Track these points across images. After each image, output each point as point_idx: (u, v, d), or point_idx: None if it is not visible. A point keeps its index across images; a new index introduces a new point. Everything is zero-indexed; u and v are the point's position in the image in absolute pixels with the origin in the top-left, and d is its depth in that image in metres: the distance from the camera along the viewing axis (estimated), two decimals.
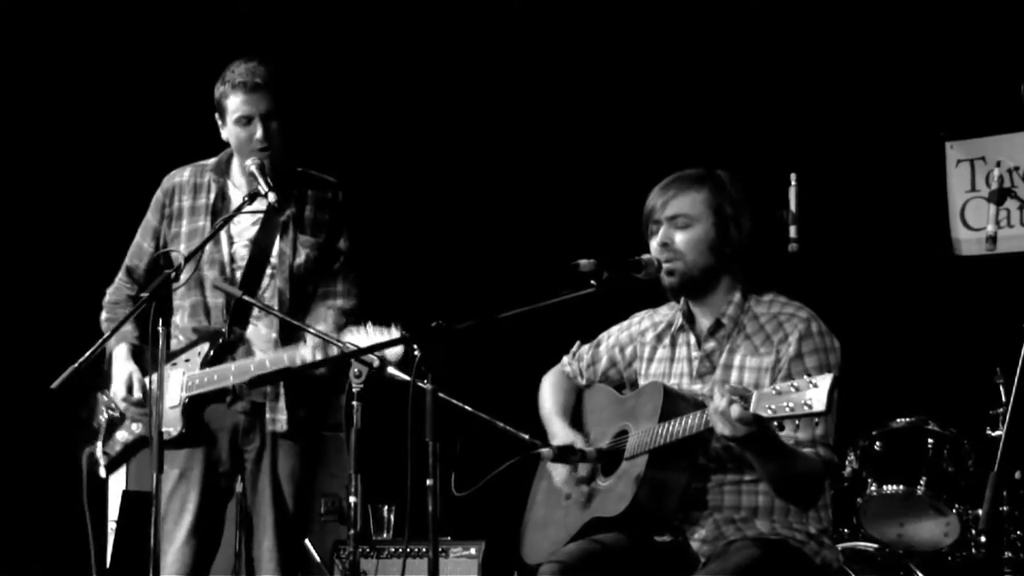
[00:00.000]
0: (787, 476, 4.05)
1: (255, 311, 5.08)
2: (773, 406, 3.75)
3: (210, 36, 7.44)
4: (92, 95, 7.59)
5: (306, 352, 4.85)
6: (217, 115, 5.10)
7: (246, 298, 4.95)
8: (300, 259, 5.14)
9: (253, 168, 4.94)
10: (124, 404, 5.09)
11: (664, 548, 4.20)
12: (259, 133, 5.00)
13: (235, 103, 5.01)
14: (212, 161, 5.24)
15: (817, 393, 3.68)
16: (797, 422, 3.84)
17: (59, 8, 7.44)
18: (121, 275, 5.30)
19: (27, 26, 7.41)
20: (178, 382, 5.04)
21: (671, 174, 4.39)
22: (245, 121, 5.01)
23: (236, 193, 5.15)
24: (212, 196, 5.16)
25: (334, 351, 4.68)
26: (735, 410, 3.81)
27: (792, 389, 3.73)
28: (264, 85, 5.00)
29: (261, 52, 5.15)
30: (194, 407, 5.05)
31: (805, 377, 3.74)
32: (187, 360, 5.06)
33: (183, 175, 5.24)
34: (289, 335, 5.07)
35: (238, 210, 4.91)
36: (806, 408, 3.69)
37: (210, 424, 5.09)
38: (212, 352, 5.05)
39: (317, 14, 7.65)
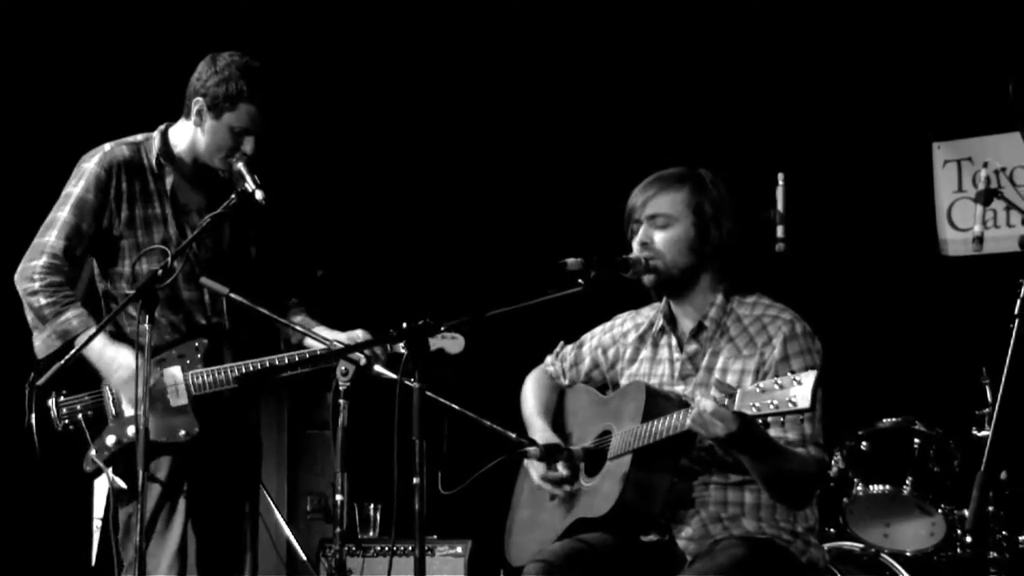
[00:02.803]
0: (779, 476, 4.05)
1: (223, 307, 4.92)
2: (757, 404, 3.76)
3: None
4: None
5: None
6: (204, 101, 4.82)
7: (233, 296, 4.71)
8: (252, 254, 5.02)
9: (240, 166, 4.76)
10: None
11: (650, 547, 4.20)
12: (250, 147, 4.79)
13: (245, 114, 4.78)
14: (146, 141, 4.93)
15: (801, 390, 3.69)
16: (783, 420, 3.85)
17: None
18: (54, 257, 4.79)
19: None
20: (180, 381, 4.80)
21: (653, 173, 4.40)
22: (243, 131, 4.80)
23: (183, 184, 4.92)
24: (167, 184, 4.88)
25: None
26: (714, 408, 3.82)
27: (776, 387, 3.74)
28: (277, 105, 4.81)
29: (265, 60, 4.92)
30: (200, 407, 4.80)
31: (789, 375, 3.75)
32: (181, 356, 4.82)
33: (123, 152, 4.87)
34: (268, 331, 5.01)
35: (227, 206, 4.68)
36: (790, 405, 3.70)
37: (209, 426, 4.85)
38: (210, 349, 4.85)
39: (313, 11, 7.63)
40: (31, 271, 4.80)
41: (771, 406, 3.73)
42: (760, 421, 3.83)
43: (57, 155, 5.14)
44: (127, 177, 4.86)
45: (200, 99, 4.83)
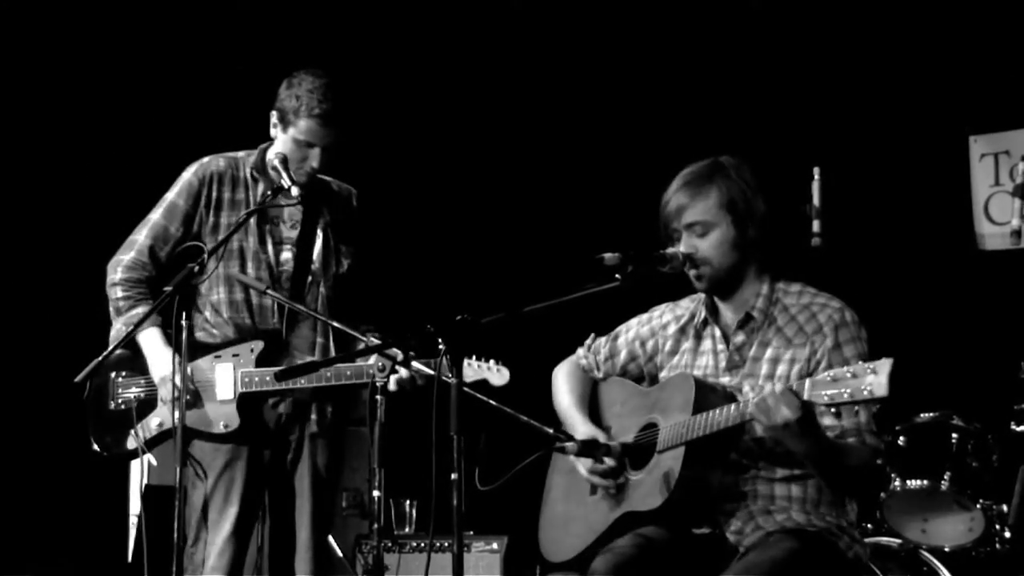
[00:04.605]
0: (840, 471, 4.05)
1: (296, 318, 5.10)
2: (830, 392, 3.73)
3: (202, 33, 7.46)
4: (87, 91, 7.56)
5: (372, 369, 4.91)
6: (276, 115, 5.06)
7: (269, 292, 4.95)
8: (343, 268, 5.20)
9: (276, 162, 4.97)
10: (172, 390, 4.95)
11: (702, 540, 4.20)
12: (316, 162, 5.03)
13: (305, 127, 4.99)
14: (246, 156, 5.20)
15: (877, 379, 3.64)
16: (835, 410, 3.82)
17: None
18: (140, 254, 5.12)
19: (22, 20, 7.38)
20: (230, 377, 5.03)
21: (683, 169, 4.38)
22: (307, 144, 5.02)
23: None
24: (255, 194, 5.13)
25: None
26: (783, 389, 3.81)
27: (849, 375, 3.70)
28: (339, 120, 5.01)
29: (337, 76, 5.09)
30: (246, 403, 5.04)
31: (861, 363, 3.71)
32: (236, 355, 5.05)
33: (219, 164, 5.16)
34: (337, 338, 5.14)
35: (262, 203, 4.97)
36: (866, 394, 3.66)
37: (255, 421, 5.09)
38: (267, 351, 5.05)
39: (329, 16, 7.65)
40: (117, 264, 5.15)
41: (845, 395, 3.70)
42: (823, 410, 3.80)
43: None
44: (218, 187, 5.15)
45: (274, 113, 5.10)
